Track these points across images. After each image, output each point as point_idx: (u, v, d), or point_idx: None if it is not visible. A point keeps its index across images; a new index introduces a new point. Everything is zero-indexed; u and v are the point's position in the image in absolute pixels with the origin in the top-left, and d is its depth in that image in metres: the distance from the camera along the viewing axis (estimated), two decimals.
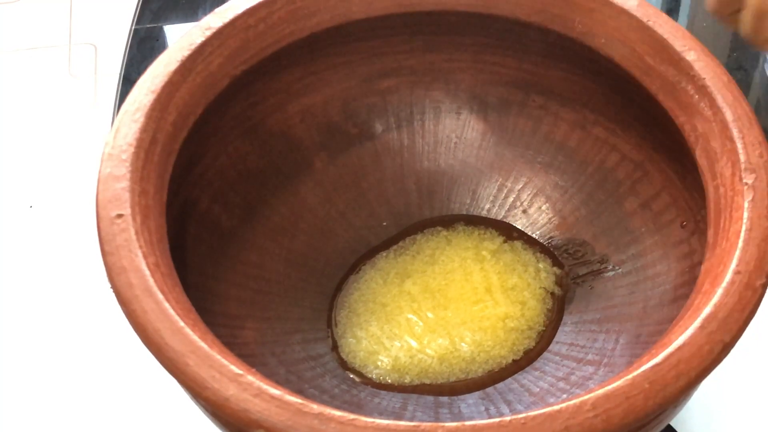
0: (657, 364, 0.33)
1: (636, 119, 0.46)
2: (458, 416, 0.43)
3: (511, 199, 0.51)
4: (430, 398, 0.45)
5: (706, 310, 0.34)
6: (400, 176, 0.51)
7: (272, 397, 0.32)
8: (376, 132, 0.51)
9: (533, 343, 0.46)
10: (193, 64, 0.42)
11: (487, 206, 0.51)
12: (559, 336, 0.46)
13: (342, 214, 0.50)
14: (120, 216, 0.36)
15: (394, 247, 0.50)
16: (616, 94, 0.46)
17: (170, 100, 0.41)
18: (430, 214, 0.51)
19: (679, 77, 0.41)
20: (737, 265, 0.35)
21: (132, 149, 0.39)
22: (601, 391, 0.32)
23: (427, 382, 0.45)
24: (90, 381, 0.52)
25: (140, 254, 0.35)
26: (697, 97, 0.41)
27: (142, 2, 0.76)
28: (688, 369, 0.33)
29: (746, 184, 0.37)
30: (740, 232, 0.36)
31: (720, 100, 0.40)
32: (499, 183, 0.51)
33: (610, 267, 0.47)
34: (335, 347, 0.47)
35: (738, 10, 0.39)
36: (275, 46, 0.45)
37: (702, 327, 0.34)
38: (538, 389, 0.44)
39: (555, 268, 0.48)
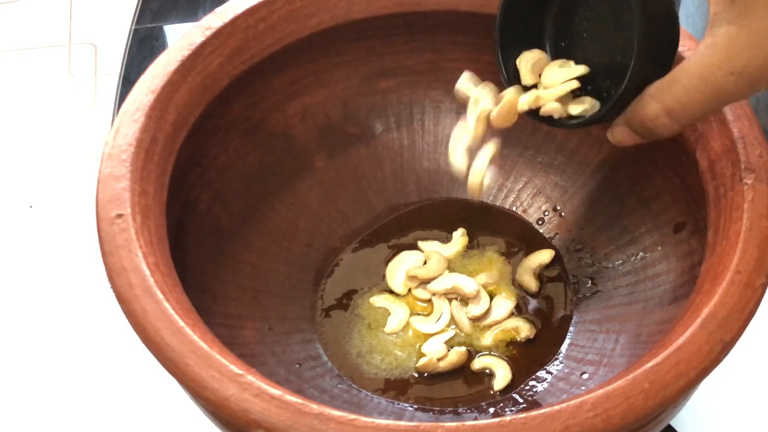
0: (657, 364, 0.33)
1: None
2: (458, 416, 0.43)
3: (511, 199, 0.51)
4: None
5: (706, 310, 0.34)
6: (400, 176, 0.51)
7: (272, 397, 0.32)
8: (376, 132, 0.51)
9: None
10: (193, 64, 0.42)
11: None
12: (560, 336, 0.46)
13: (342, 214, 0.50)
14: (120, 216, 0.36)
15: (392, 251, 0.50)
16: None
17: (170, 100, 0.41)
18: (430, 212, 0.51)
19: None
20: (737, 265, 0.35)
21: (132, 149, 0.39)
22: (601, 391, 0.32)
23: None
24: (90, 381, 0.52)
25: (140, 254, 0.35)
26: None
27: (142, 2, 0.76)
28: (688, 369, 0.33)
29: (746, 184, 0.37)
30: (740, 232, 0.36)
31: None
32: (499, 183, 0.51)
33: (610, 267, 0.47)
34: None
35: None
36: (275, 46, 0.45)
37: (702, 327, 0.34)
38: (538, 389, 0.44)
39: (554, 268, 0.48)
